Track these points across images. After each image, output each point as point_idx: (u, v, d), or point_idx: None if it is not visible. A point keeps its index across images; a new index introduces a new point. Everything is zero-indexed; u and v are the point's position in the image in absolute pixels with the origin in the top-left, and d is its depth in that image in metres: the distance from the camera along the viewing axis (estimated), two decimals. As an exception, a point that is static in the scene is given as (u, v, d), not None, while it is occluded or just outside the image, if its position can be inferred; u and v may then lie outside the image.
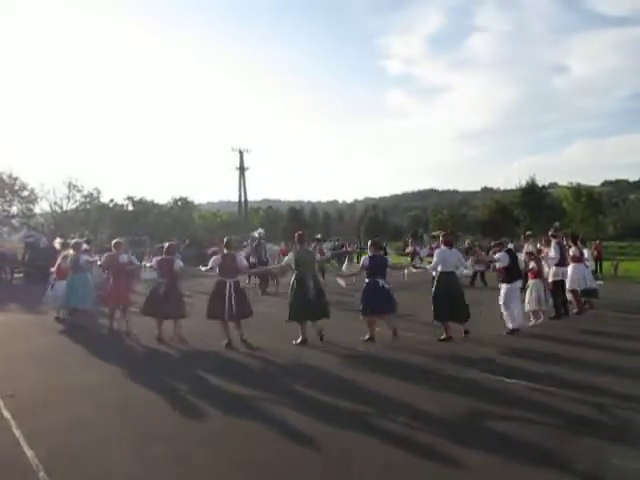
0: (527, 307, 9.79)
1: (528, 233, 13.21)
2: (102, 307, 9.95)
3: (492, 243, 10.28)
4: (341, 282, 14.99)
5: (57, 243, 12.65)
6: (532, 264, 10.09)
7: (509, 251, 9.31)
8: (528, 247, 10.80)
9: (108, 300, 9.47)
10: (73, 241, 10.79)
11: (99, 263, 10.04)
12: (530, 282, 10.01)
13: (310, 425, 4.54)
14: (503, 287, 9.12)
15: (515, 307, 8.98)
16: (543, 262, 10.57)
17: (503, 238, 10.52)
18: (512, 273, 9.11)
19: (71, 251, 10.22)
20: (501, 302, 9.04)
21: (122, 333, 9.12)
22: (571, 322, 9.96)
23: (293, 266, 8.33)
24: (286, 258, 8.73)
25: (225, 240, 8.86)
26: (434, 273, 8.80)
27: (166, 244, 9.31)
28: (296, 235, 8.73)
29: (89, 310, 10.21)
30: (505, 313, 9.00)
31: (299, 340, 8.07)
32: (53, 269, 11.20)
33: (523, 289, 9.77)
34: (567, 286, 11.26)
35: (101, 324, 9.89)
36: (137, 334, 8.93)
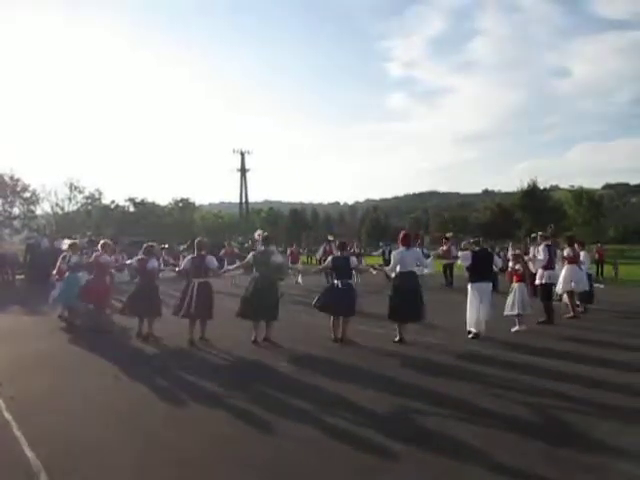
0: (508, 311, 9.49)
1: (534, 235, 13.10)
2: (83, 304, 10.26)
3: (471, 240, 9.90)
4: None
5: (64, 244, 12.76)
6: (517, 266, 9.83)
7: (475, 252, 8.97)
8: (514, 250, 10.72)
9: (86, 298, 9.85)
10: (85, 240, 10.95)
11: (90, 260, 10.31)
12: (514, 285, 9.67)
13: (311, 426, 4.57)
14: (469, 286, 8.98)
15: (479, 309, 8.72)
16: (530, 264, 10.47)
17: (476, 237, 10.13)
18: (476, 273, 8.88)
19: (69, 251, 10.39)
20: (468, 304, 8.88)
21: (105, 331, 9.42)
22: (570, 324, 9.93)
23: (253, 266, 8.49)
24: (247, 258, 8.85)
25: (196, 241, 9.03)
26: (392, 274, 8.66)
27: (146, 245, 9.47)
28: (257, 235, 8.91)
29: (78, 308, 10.52)
30: (468, 315, 8.84)
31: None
32: (55, 271, 11.28)
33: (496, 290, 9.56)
34: (559, 288, 11.21)
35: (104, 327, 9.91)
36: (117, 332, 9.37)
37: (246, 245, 26.88)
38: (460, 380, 6.09)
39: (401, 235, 8.77)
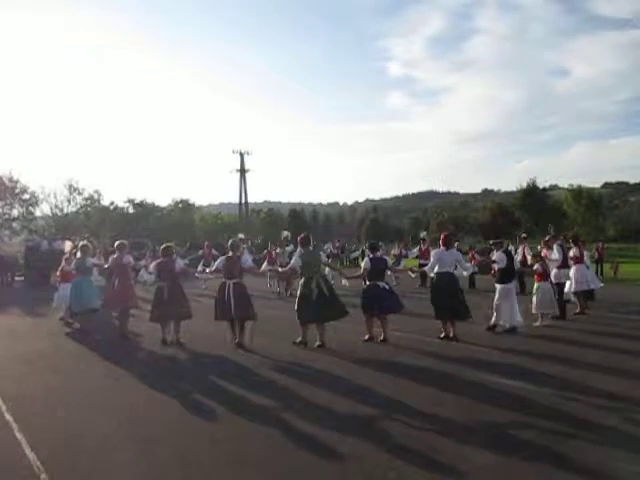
0: (534, 309, 9.83)
1: (523, 235, 13.29)
2: (108, 310, 9.96)
3: (491, 242, 10.18)
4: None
5: (67, 246, 12.73)
6: (537, 266, 10.09)
7: (507, 252, 9.37)
8: (525, 249, 10.87)
9: (114, 302, 9.38)
10: (80, 243, 10.71)
11: (105, 266, 9.96)
12: (536, 284, 9.99)
13: (313, 426, 4.56)
14: (498, 287, 9.22)
15: (509, 306, 9.01)
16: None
17: (500, 238, 10.50)
18: (508, 274, 9.21)
19: (78, 254, 10.09)
20: (495, 302, 9.13)
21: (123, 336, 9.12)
22: (571, 323, 10.00)
23: (299, 268, 8.32)
24: (292, 260, 8.69)
25: (230, 242, 8.77)
26: (432, 274, 8.78)
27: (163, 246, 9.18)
28: (299, 238, 8.67)
29: (95, 312, 10.07)
30: (495, 313, 9.10)
31: (298, 340, 8.11)
32: (58, 272, 11.24)
33: (522, 291, 9.81)
34: (572, 288, 11.35)
35: (102, 327, 9.90)
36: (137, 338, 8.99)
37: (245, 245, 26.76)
38: (492, 372, 6.16)
39: (442, 236, 8.99)
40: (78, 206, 45.19)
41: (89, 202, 45.69)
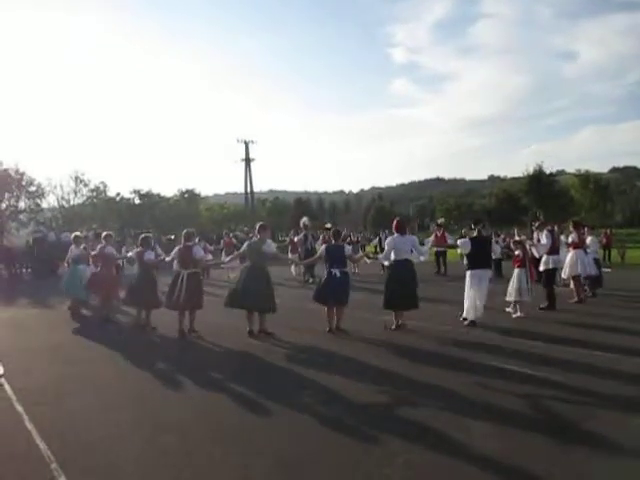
0: (508, 297, 9.53)
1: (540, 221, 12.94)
2: (92, 298, 10.65)
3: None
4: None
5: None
6: (517, 252, 9.78)
7: (474, 238, 8.86)
8: (519, 235, 10.74)
9: (96, 287, 10.09)
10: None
11: (93, 253, 10.57)
12: (514, 271, 9.64)
13: (320, 414, 4.59)
14: (467, 274, 8.87)
15: (473, 297, 8.63)
16: (533, 249, 10.38)
17: (473, 224, 9.58)
18: (474, 260, 8.78)
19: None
20: (465, 291, 8.79)
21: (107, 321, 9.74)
22: (562, 314, 9.80)
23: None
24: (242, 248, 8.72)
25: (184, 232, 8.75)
26: (386, 262, 8.48)
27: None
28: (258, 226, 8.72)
29: (85, 300, 10.89)
30: (465, 303, 8.74)
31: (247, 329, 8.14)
32: (65, 264, 11.44)
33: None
34: (566, 273, 11.23)
35: (109, 316, 9.97)
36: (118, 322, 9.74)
37: (251, 235, 26.76)
38: (457, 369, 6.05)
39: (395, 222, 8.60)
40: (84, 198, 45.31)
41: (95, 194, 45.79)
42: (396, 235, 8.34)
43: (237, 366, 6.53)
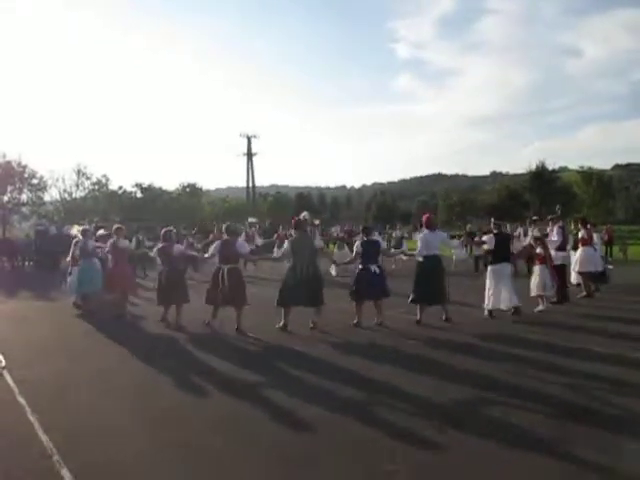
0: (532, 292, 9.77)
1: (534, 218, 13.14)
2: (108, 293, 10.20)
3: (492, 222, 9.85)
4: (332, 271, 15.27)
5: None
6: (539, 249, 10.04)
7: (496, 234, 9.22)
8: (535, 232, 10.77)
9: (113, 286, 9.76)
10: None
11: (106, 249, 10.14)
12: (536, 267, 9.99)
13: (316, 410, 4.58)
14: (488, 269, 9.24)
15: (500, 289, 8.89)
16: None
17: (494, 221, 10.00)
18: (496, 255, 9.12)
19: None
20: (486, 285, 9.06)
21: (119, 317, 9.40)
22: (572, 307, 9.99)
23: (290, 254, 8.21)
24: (284, 246, 8.57)
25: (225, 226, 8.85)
26: (420, 258, 8.59)
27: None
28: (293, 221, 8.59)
29: (99, 295, 10.44)
30: (486, 295, 9.01)
31: (281, 324, 8.08)
32: (69, 257, 11.24)
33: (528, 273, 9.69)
34: (577, 269, 11.32)
35: (112, 310, 9.97)
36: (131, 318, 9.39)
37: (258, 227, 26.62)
38: (487, 359, 6.19)
39: (425, 218, 8.76)
40: (86, 191, 45.42)
41: (97, 187, 45.86)
42: (426, 231, 8.53)
43: (236, 359, 6.49)
